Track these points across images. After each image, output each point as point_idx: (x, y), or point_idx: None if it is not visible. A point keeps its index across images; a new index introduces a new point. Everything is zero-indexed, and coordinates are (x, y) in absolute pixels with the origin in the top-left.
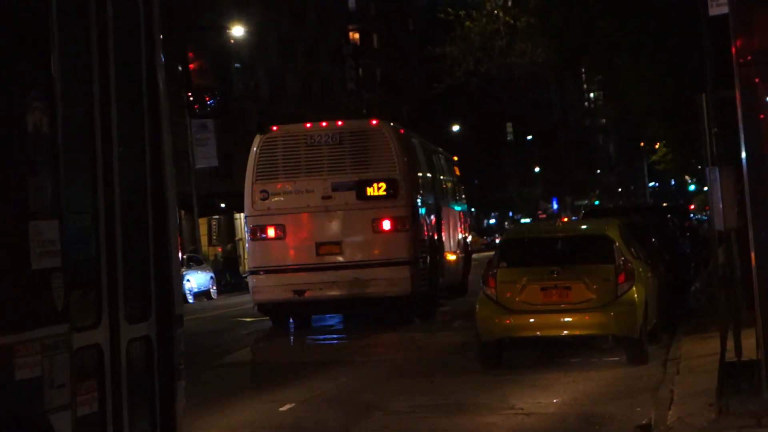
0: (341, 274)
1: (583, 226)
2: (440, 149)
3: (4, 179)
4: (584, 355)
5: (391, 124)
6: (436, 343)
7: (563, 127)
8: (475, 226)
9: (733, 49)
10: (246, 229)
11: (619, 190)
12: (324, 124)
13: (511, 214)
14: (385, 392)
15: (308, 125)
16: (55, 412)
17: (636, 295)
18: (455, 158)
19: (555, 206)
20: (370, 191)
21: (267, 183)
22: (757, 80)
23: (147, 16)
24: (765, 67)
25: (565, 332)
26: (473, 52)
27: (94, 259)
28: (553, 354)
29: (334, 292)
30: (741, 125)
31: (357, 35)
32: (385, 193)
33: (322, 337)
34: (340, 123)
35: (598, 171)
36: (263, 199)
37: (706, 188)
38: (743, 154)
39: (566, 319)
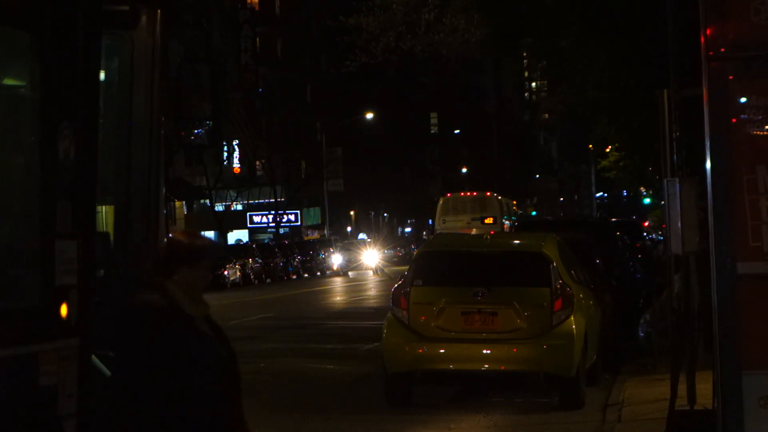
0: None
1: (516, 241)
2: (506, 198)
3: (43, 198)
4: (508, 394)
5: (487, 193)
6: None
7: (498, 121)
8: (389, 235)
9: (702, 39)
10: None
11: (561, 199)
12: (469, 193)
13: (431, 222)
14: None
15: (462, 194)
16: (66, 420)
17: (574, 326)
18: (514, 202)
19: None
20: (487, 221)
21: (445, 216)
22: (731, 77)
23: (153, 57)
24: (740, 63)
25: (488, 366)
26: (394, 26)
27: (97, 279)
28: (473, 391)
29: None
30: (707, 130)
31: None
32: (492, 221)
33: None
34: (475, 193)
35: (537, 176)
36: (443, 223)
37: (663, 203)
38: (708, 165)
39: (490, 351)
